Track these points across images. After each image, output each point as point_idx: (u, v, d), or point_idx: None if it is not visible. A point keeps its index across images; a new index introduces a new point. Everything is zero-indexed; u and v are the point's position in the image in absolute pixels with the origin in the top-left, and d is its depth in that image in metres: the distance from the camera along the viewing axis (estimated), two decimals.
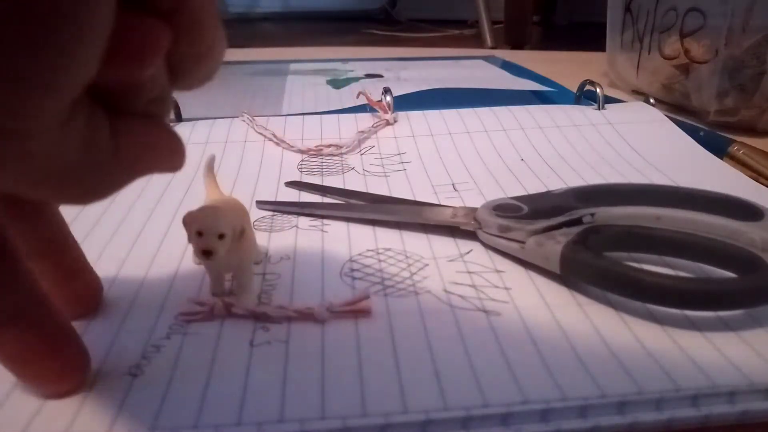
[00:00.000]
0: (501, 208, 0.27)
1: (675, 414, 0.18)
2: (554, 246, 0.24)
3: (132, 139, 0.14)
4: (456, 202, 0.32)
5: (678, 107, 0.54)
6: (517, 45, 0.99)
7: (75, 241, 0.22)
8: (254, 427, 0.17)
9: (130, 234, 0.29)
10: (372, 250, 0.27)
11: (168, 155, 0.16)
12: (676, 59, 0.53)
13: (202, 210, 0.22)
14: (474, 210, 0.29)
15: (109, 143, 0.14)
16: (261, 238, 0.28)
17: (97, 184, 0.14)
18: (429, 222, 0.29)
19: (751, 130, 0.48)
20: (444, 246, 0.28)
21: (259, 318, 0.22)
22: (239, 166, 0.37)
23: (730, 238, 0.25)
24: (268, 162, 0.38)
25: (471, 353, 0.20)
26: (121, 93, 0.14)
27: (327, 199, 0.33)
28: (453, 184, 0.35)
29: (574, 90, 0.49)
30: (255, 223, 0.30)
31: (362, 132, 0.41)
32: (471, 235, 0.28)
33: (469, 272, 0.25)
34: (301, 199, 0.33)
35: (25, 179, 0.12)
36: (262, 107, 0.54)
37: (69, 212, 0.31)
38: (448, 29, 1.20)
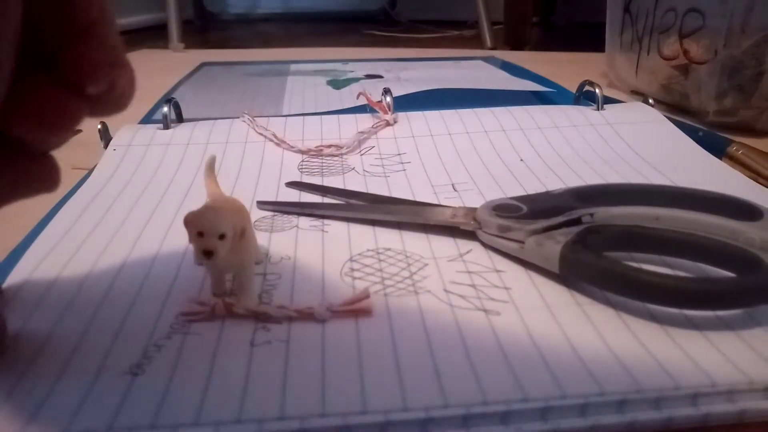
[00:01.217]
0: (500, 208, 0.27)
1: (674, 413, 0.18)
2: (554, 246, 0.24)
3: None
4: (456, 202, 0.32)
5: (677, 107, 0.54)
6: (516, 45, 0.99)
7: None
8: (254, 424, 0.17)
9: (130, 234, 0.29)
10: (372, 250, 0.27)
11: (37, 186, 0.17)
12: (675, 60, 0.53)
13: (203, 210, 0.22)
14: (474, 210, 0.29)
15: None
16: (261, 238, 0.28)
17: None
18: (429, 222, 0.29)
19: (750, 131, 0.48)
20: (444, 246, 0.28)
21: (260, 318, 0.22)
22: (240, 166, 0.37)
23: (729, 238, 0.25)
24: (269, 162, 0.38)
25: (471, 352, 0.20)
26: (21, 141, 0.15)
27: (327, 200, 0.33)
28: (453, 185, 0.35)
29: (574, 90, 0.49)
30: (255, 224, 0.30)
31: (362, 132, 0.41)
32: (471, 235, 0.28)
33: (469, 272, 0.25)
34: (302, 200, 0.33)
35: None
36: (263, 108, 0.54)
37: (69, 213, 0.31)
38: (448, 30, 1.20)
